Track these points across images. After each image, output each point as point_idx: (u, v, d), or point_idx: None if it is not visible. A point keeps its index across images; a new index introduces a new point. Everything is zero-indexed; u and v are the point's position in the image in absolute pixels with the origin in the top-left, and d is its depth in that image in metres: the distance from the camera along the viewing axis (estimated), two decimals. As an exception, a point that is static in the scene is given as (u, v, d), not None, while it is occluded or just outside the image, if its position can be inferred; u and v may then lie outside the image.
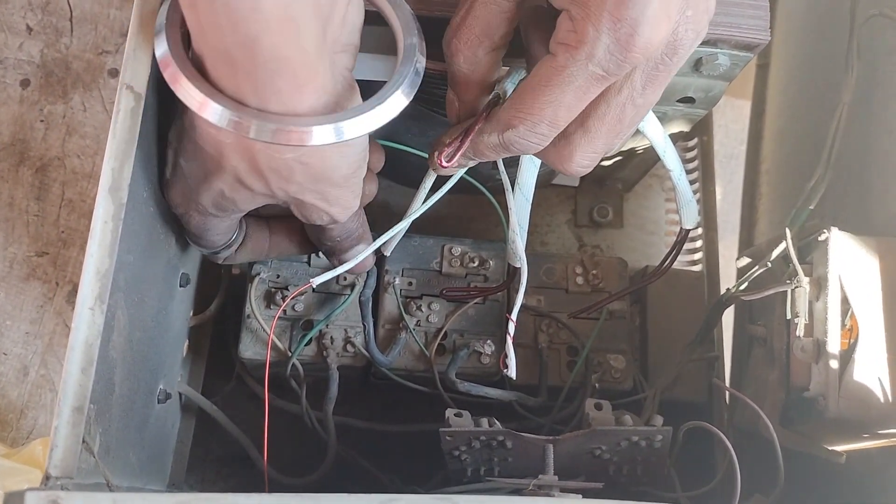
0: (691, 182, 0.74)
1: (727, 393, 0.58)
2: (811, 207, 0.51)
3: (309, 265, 0.58)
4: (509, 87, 0.45)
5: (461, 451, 0.50)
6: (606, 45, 0.37)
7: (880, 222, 0.53)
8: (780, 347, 0.51)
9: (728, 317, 0.62)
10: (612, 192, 0.74)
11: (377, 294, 0.58)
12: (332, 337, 0.56)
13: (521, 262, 0.51)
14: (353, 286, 0.57)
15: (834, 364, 0.46)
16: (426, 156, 0.52)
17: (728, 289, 0.54)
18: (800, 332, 0.48)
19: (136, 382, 0.47)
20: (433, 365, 0.56)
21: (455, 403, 0.55)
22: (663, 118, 0.57)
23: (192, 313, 0.59)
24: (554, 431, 0.55)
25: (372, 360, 0.56)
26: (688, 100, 0.57)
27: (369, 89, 0.43)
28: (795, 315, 0.48)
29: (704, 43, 0.52)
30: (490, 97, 0.44)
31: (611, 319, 0.59)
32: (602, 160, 0.66)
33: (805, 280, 0.48)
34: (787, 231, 0.50)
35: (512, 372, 0.52)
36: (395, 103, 0.41)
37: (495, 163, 0.52)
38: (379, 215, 0.64)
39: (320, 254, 0.58)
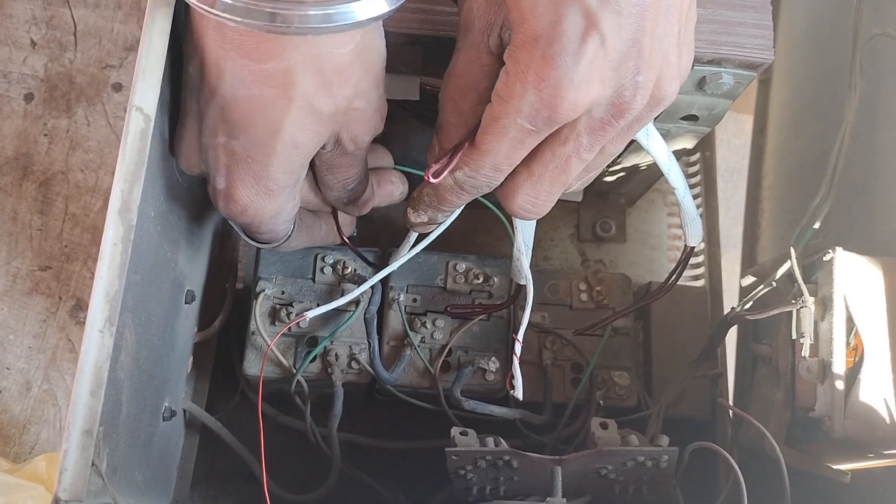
0: (694, 197, 0.74)
1: (731, 411, 0.58)
2: (815, 226, 0.51)
3: (314, 282, 0.58)
4: None
5: (467, 471, 0.50)
6: (531, 102, 0.38)
7: (885, 241, 0.53)
8: (785, 367, 0.51)
9: (731, 333, 0.62)
10: (615, 207, 0.74)
11: (382, 311, 0.58)
12: (336, 354, 0.56)
13: (528, 282, 0.51)
14: (357, 302, 0.57)
15: (839, 384, 0.46)
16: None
17: (732, 308, 0.54)
18: (805, 352, 0.48)
19: (142, 401, 0.47)
20: (438, 382, 0.56)
21: (459, 420, 0.55)
22: (667, 135, 0.57)
23: (196, 329, 0.59)
24: (558, 450, 0.55)
25: (376, 377, 0.56)
26: (691, 117, 0.58)
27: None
28: (800, 335, 0.49)
29: (708, 62, 0.52)
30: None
31: (615, 336, 0.59)
32: (605, 175, 0.67)
33: (810, 300, 0.49)
34: (792, 250, 0.50)
35: (519, 393, 0.52)
36: None
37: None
38: (382, 230, 0.64)
39: (325, 270, 0.58)
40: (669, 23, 0.40)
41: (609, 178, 0.69)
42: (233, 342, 0.61)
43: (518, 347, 0.52)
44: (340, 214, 0.55)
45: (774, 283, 0.51)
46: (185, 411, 0.58)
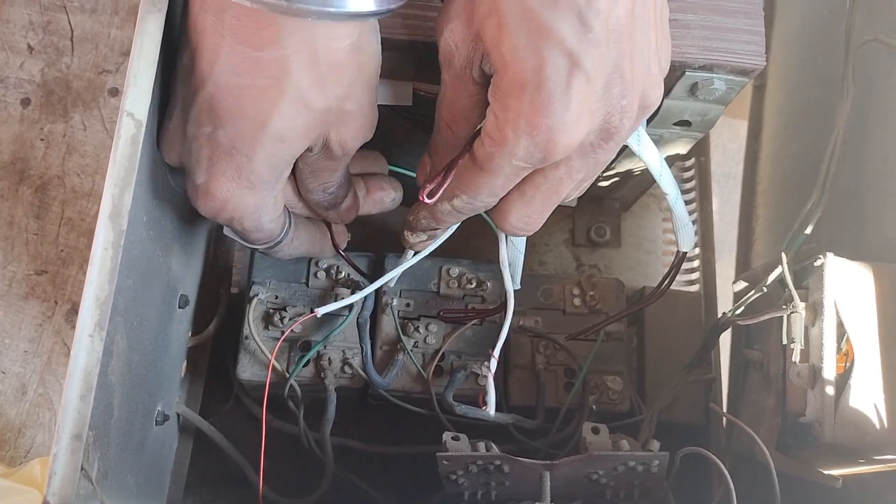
0: (688, 202, 0.74)
1: (724, 417, 0.58)
2: (807, 232, 0.52)
3: (307, 286, 0.58)
4: None
5: (458, 475, 0.50)
6: (526, 146, 0.39)
7: (876, 247, 0.54)
8: (776, 372, 0.51)
9: (725, 337, 0.62)
10: (609, 212, 0.74)
11: (375, 315, 0.58)
12: (329, 358, 0.56)
13: (509, 296, 0.52)
14: (351, 307, 0.57)
15: (830, 390, 0.46)
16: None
17: (724, 312, 0.54)
18: (796, 357, 0.48)
19: (134, 405, 0.47)
20: (431, 387, 0.56)
21: (452, 425, 0.55)
22: (659, 141, 0.57)
23: (190, 334, 0.59)
24: (551, 455, 0.55)
25: (369, 382, 0.56)
26: (684, 123, 0.58)
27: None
28: (791, 340, 0.49)
29: (700, 68, 0.52)
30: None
31: (608, 341, 0.59)
32: (600, 180, 0.67)
33: (801, 305, 0.49)
34: (783, 256, 0.50)
35: (491, 410, 0.52)
36: None
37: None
38: (378, 234, 0.64)
39: (318, 274, 0.59)
40: (646, 36, 0.40)
41: (603, 183, 0.69)
42: (227, 346, 0.61)
43: (493, 363, 0.53)
44: (334, 225, 0.55)
45: (766, 289, 0.51)
46: (178, 415, 0.58)
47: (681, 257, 0.53)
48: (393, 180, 0.55)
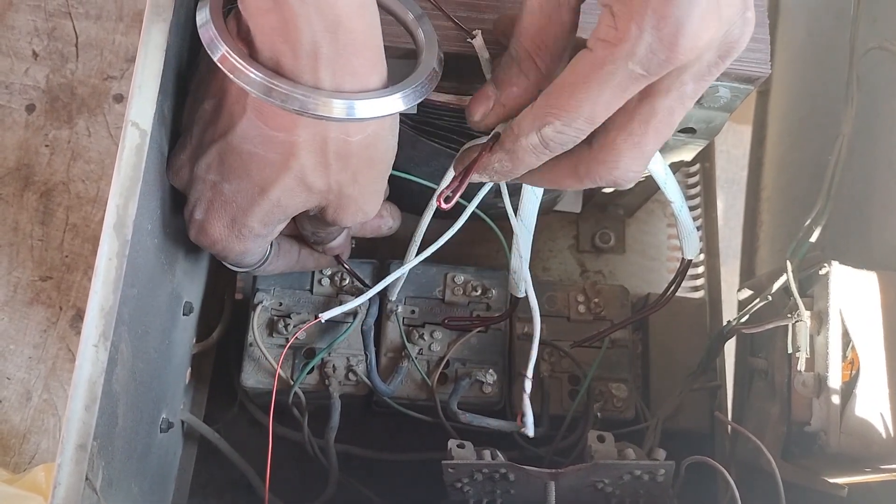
0: (693, 208, 0.74)
1: (729, 425, 0.58)
2: (812, 240, 0.51)
3: (311, 293, 0.58)
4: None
5: (463, 483, 0.50)
6: (648, 43, 0.35)
7: (881, 255, 0.53)
8: (781, 381, 0.51)
9: (730, 345, 0.62)
10: (614, 218, 0.74)
11: (379, 322, 0.58)
12: (334, 365, 0.56)
13: (535, 315, 0.51)
14: (355, 314, 0.57)
15: (835, 399, 0.46)
16: (430, 184, 0.53)
17: (729, 321, 0.54)
18: (801, 366, 0.48)
19: (138, 413, 0.47)
20: (435, 394, 0.56)
21: (456, 432, 0.55)
22: (664, 148, 0.57)
23: (195, 341, 0.59)
24: (555, 462, 0.55)
25: (374, 389, 0.56)
26: (689, 130, 0.58)
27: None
28: (796, 349, 0.49)
29: (705, 75, 0.52)
30: (490, 136, 0.43)
31: (613, 348, 0.59)
32: (603, 187, 0.67)
33: (806, 314, 0.48)
34: (788, 264, 0.50)
35: (530, 430, 0.52)
36: (438, 65, 0.45)
37: (498, 191, 0.52)
38: (382, 242, 0.64)
39: (323, 282, 0.59)
40: None
41: (608, 189, 0.69)
42: (231, 353, 0.61)
43: (528, 385, 0.52)
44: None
45: (770, 297, 0.51)
46: (182, 422, 0.58)
47: (686, 265, 0.53)
48: (393, 208, 0.55)
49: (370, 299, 0.57)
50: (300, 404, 0.56)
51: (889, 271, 0.49)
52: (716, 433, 0.60)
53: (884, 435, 0.45)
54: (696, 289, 0.72)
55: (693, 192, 0.75)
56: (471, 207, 0.52)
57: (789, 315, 0.49)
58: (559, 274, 0.72)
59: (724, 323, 0.56)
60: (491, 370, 0.57)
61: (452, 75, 0.54)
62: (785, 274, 0.50)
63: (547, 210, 0.73)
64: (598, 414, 0.57)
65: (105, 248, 0.39)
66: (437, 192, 0.44)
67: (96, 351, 0.38)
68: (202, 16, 0.42)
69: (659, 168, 0.49)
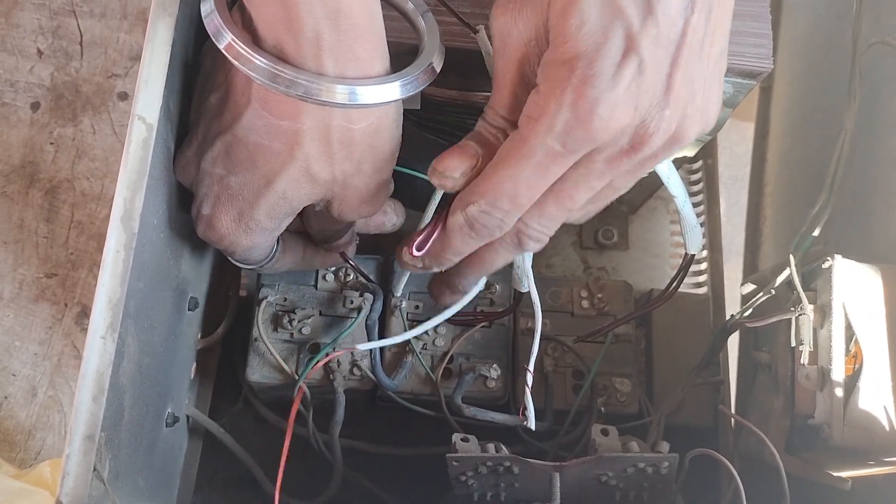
0: (696, 205, 0.74)
1: (733, 418, 0.58)
2: (815, 234, 0.52)
3: (316, 289, 0.59)
4: None
5: (468, 477, 0.50)
6: (566, 118, 0.38)
7: (884, 249, 0.54)
8: (784, 374, 0.51)
9: (734, 340, 0.62)
10: (617, 215, 0.74)
11: (384, 317, 0.58)
12: (338, 360, 0.57)
13: (536, 311, 0.52)
14: (359, 309, 0.58)
15: (838, 392, 0.46)
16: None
17: (732, 315, 0.54)
18: (804, 359, 0.48)
19: (144, 407, 0.47)
20: (439, 389, 0.56)
21: (461, 427, 0.55)
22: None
23: (199, 336, 0.59)
24: (559, 457, 0.55)
25: (378, 384, 0.56)
26: (692, 126, 0.58)
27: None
28: (800, 342, 0.49)
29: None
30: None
31: (616, 343, 0.59)
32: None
33: (809, 307, 0.49)
34: (791, 258, 0.50)
35: (531, 423, 0.52)
36: (439, 55, 0.45)
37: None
38: (387, 238, 0.64)
39: (328, 277, 0.59)
40: (701, 63, 0.40)
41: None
42: (236, 349, 0.62)
43: (530, 378, 0.52)
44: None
45: (774, 291, 0.51)
46: (188, 417, 0.58)
47: (689, 260, 0.53)
48: (397, 205, 0.55)
49: (374, 294, 0.57)
50: (305, 399, 0.57)
51: (892, 264, 0.50)
52: (719, 427, 0.60)
53: (887, 427, 0.46)
54: (698, 285, 0.72)
55: (696, 188, 0.75)
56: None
57: (792, 309, 0.49)
58: (562, 270, 0.72)
59: (728, 317, 0.56)
60: (495, 365, 0.57)
61: (456, 71, 0.54)
62: (788, 268, 0.50)
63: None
64: (602, 408, 0.57)
65: (112, 240, 0.40)
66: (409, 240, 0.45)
67: (104, 343, 0.38)
68: (207, 6, 0.42)
69: (662, 164, 0.50)
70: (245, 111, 0.43)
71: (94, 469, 0.37)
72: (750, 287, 0.56)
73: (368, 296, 0.58)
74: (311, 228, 0.53)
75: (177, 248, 0.50)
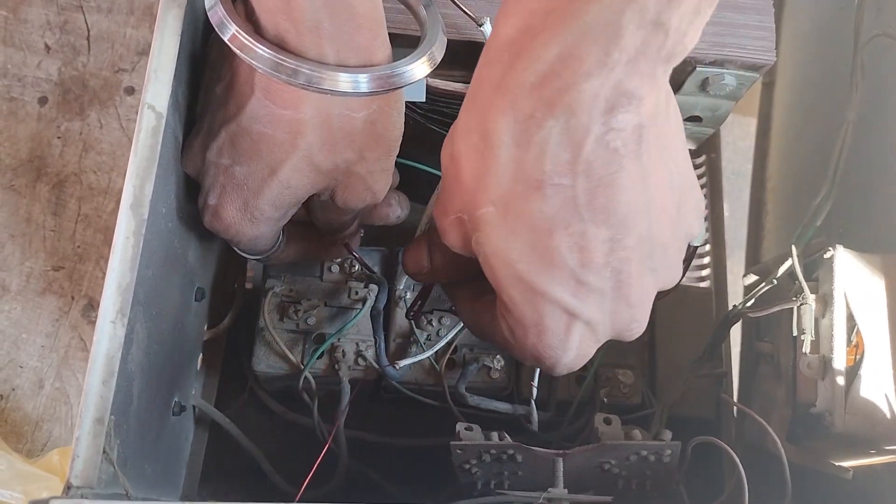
0: (699, 199, 0.74)
1: (735, 408, 0.58)
2: (817, 225, 0.52)
3: (321, 280, 0.59)
4: None
5: (472, 465, 0.50)
6: (533, 362, 0.41)
7: (886, 239, 0.54)
8: (786, 364, 0.51)
9: (736, 332, 0.62)
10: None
11: (388, 308, 0.59)
12: (343, 350, 0.57)
13: None
14: (364, 300, 0.58)
15: (840, 381, 0.47)
16: (437, 172, 0.54)
17: (735, 305, 0.55)
18: (806, 348, 0.48)
19: (152, 395, 0.48)
20: (443, 379, 0.57)
21: (465, 417, 0.55)
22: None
23: (206, 327, 0.60)
24: (563, 447, 0.55)
25: (383, 374, 0.57)
26: (695, 118, 0.58)
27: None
28: (801, 332, 0.49)
29: (711, 63, 0.53)
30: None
31: (619, 335, 0.59)
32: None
33: (811, 297, 0.49)
34: (793, 248, 0.50)
35: (534, 426, 0.55)
36: (440, 45, 0.46)
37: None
38: (391, 229, 0.65)
39: (333, 268, 0.59)
40: (643, 273, 0.40)
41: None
42: (242, 340, 0.62)
43: (534, 391, 0.55)
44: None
45: (776, 281, 0.52)
46: (194, 407, 0.59)
47: (692, 251, 0.53)
48: (401, 196, 0.56)
49: (379, 285, 0.58)
50: (310, 389, 0.57)
51: (893, 254, 0.50)
52: (722, 418, 0.60)
53: (888, 415, 0.46)
54: (701, 279, 0.72)
55: (699, 182, 0.75)
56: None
57: (795, 298, 0.49)
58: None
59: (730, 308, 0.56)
60: (498, 356, 0.57)
61: (461, 63, 0.55)
62: (790, 258, 0.50)
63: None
64: (605, 399, 0.58)
65: (123, 226, 0.40)
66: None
67: (114, 327, 0.39)
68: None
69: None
70: (249, 101, 0.44)
71: (104, 451, 0.38)
72: (752, 278, 0.56)
73: (373, 287, 0.59)
74: (317, 219, 0.53)
75: (185, 237, 0.50)
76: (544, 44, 0.33)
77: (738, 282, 0.68)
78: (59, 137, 0.77)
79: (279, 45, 0.41)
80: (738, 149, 0.96)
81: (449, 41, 0.49)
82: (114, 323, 0.39)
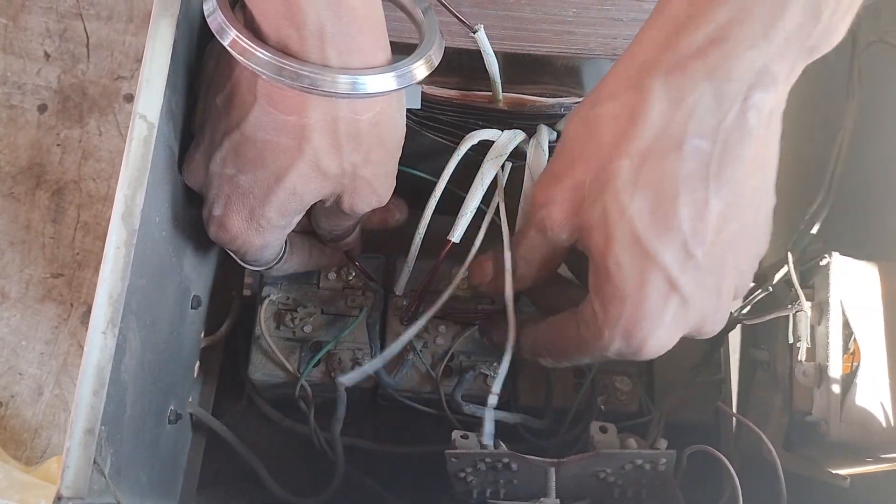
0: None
1: (733, 416, 0.58)
2: (813, 232, 0.52)
3: (318, 287, 0.59)
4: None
5: (467, 473, 0.50)
6: (619, 346, 0.42)
7: (882, 247, 0.54)
8: (782, 372, 0.51)
9: (736, 338, 0.62)
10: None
11: (385, 316, 0.59)
12: (340, 358, 0.57)
13: (510, 331, 0.51)
14: (361, 308, 0.58)
15: (836, 388, 0.46)
16: (433, 179, 0.54)
17: (731, 312, 0.55)
18: (802, 356, 0.48)
19: (147, 403, 0.48)
20: (440, 387, 0.57)
21: (461, 425, 0.55)
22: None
23: (203, 335, 0.60)
24: (560, 454, 0.55)
25: (379, 382, 0.56)
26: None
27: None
28: (797, 339, 0.49)
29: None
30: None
31: (616, 342, 0.59)
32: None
33: (807, 304, 0.49)
34: (789, 255, 0.50)
35: (487, 440, 0.50)
36: (439, 48, 0.47)
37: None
38: (388, 237, 0.65)
39: (330, 276, 0.59)
40: (733, 268, 0.42)
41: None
42: (239, 348, 0.62)
43: (494, 400, 0.50)
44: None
45: (772, 288, 0.51)
46: (191, 415, 0.59)
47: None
48: (400, 203, 0.56)
49: (375, 293, 0.58)
50: (307, 397, 0.57)
51: (890, 262, 0.50)
52: (720, 425, 0.60)
53: (884, 424, 0.46)
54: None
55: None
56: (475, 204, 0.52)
57: (790, 306, 0.49)
58: (563, 269, 0.72)
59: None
60: (495, 363, 0.57)
61: (455, 70, 0.55)
62: (786, 265, 0.50)
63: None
64: (603, 407, 0.58)
65: (113, 236, 0.40)
66: None
67: (104, 338, 0.39)
68: (209, 5, 0.42)
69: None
70: (252, 109, 0.43)
71: (95, 462, 0.38)
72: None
73: (370, 294, 0.59)
74: (320, 227, 0.53)
75: (180, 246, 0.50)
76: (719, 6, 0.36)
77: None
78: (58, 145, 0.78)
79: (282, 50, 0.41)
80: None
81: (447, 50, 0.49)
82: (104, 333, 0.39)
